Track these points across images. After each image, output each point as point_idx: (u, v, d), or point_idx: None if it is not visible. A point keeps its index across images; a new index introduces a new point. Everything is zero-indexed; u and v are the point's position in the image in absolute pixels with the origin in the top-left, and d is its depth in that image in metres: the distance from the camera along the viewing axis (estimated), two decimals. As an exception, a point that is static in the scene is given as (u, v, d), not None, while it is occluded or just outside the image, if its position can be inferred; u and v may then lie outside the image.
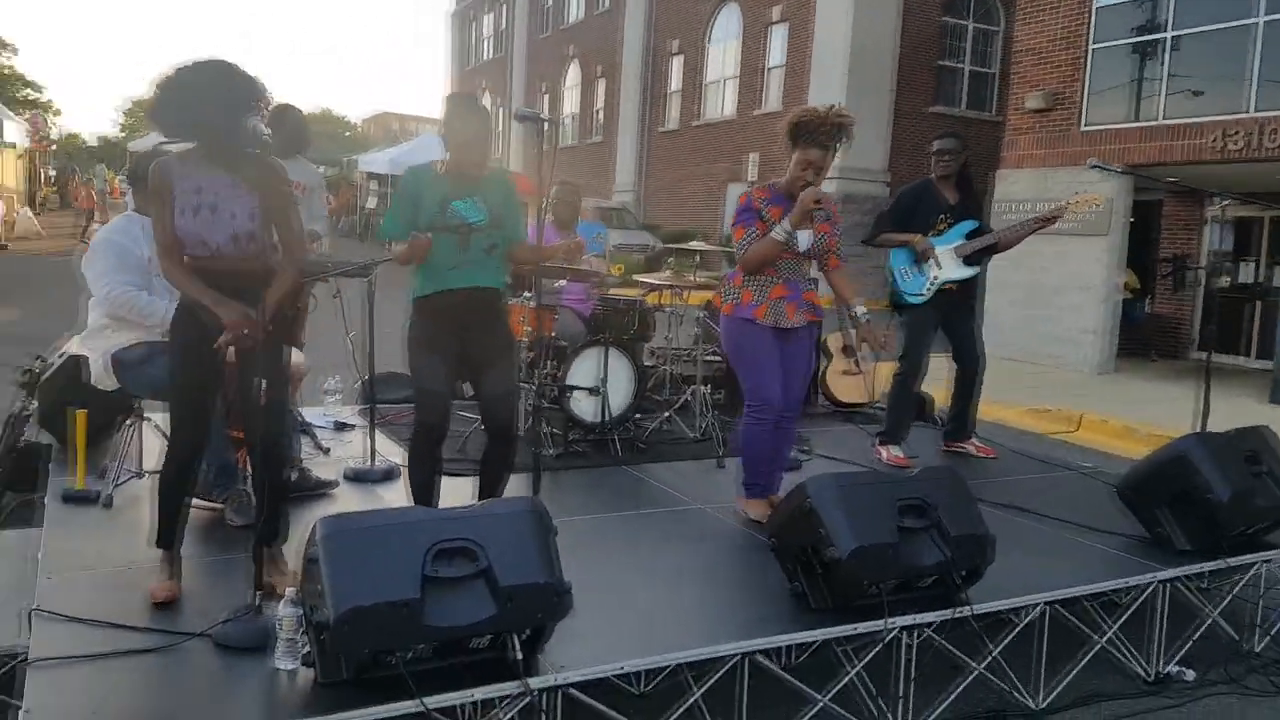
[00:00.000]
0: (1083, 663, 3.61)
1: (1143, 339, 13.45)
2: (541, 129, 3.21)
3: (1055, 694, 3.50)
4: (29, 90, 50.19)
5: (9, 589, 3.24)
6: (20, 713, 2.36)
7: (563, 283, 5.57)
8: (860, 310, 4.11)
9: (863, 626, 3.09)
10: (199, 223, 2.99)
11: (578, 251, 4.94)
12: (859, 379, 6.83)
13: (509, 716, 2.65)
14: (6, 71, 48.91)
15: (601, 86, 30.23)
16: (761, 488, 4.21)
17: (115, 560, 3.36)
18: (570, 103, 32.87)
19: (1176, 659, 3.79)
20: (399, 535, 2.59)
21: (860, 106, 18.80)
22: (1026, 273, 12.78)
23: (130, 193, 4.46)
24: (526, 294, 5.33)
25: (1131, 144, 11.89)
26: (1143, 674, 3.74)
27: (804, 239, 4.04)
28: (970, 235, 5.41)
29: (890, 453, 5.42)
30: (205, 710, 2.46)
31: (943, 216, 5.42)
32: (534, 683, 2.63)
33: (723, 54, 24.11)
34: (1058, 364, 12.23)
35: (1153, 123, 11.68)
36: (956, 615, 3.23)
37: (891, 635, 3.17)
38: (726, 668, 2.95)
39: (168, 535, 3.15)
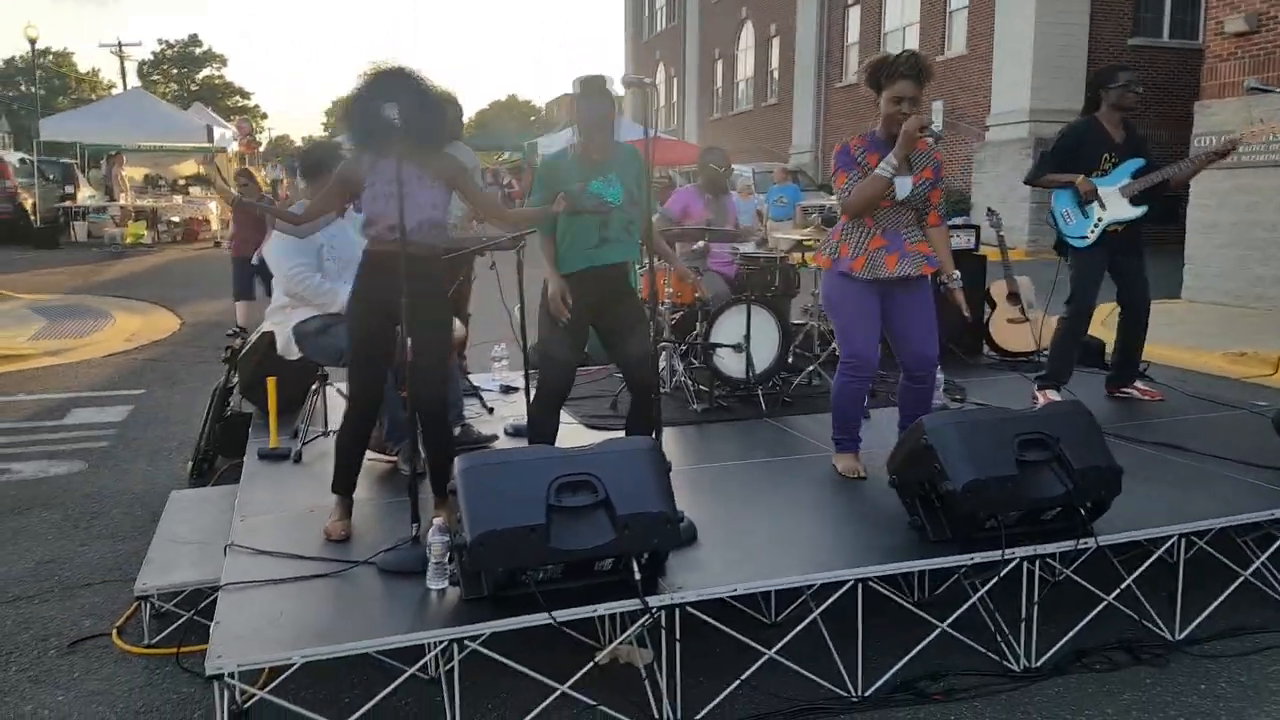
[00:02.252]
0: (1224, 596, 3.52)
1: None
2: (650, 94, 3.38)
3: (1194, 626, 3.44)
4: (238, 98, 54.59)
5: (219, 535, 3.78)
6: (212, 625, 2.80)
7: (701, 244, 5.75)
8: (954, 275, 4.06)
9: (979, 556, 3.16)
10: (389, 207, 3.35)
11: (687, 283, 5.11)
12: (1025, 326, 6.67)
13: (634, 631, 2.91)
14: (218, 81, 53.34)
15: (775, 45, 29.93)
16: (851, 442, 4.18)
17: (300, 505, 3.83)
18: (744, 66, 32.74)
19: (1336, 595, 3.62)
20: (527, 470, 2.89)
21: (1053, 42, 17.91)
22: (1233, 211, 11.90)
23: (307, 184, 4.96)
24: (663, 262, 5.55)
25: (1348, 61, 10.84)
26: (1296, 609, 3.60)
27: (902, 186, 3.95)
28: (1137, 174, 5.16)
29: (1049, 396, 5.30)
30: (367, 622, 2.84)
31: (1108, 155, 5.19)
32: (653, 601, 2.87)
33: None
34: (1271, 305, 11.36)
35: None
36: (1080, 546, 3.23)
37: (1012, 565, 3.21)
38: (842, 590, 3.10)
39: (343, 482, 3.58)
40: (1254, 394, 6.11)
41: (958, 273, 4.13)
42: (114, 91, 42.55)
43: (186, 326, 10.89)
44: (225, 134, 24.35)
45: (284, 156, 40.40)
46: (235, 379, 5.27)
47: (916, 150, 3.98)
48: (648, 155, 3.58)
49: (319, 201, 3.63)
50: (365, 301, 3.47)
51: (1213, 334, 9.75)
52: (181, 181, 25.31)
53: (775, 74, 30.19)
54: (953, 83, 21.24)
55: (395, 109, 3.24)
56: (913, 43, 22.83)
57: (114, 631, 3.64)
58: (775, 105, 29.95)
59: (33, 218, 19.89)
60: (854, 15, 25.44)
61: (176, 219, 22.20)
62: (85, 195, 21.68)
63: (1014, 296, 6.75)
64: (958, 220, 7.17)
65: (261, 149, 42.85)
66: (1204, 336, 9.62)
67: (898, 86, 3.89)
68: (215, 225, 22.40)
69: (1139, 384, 5.49)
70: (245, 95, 56.98)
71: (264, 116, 59.20)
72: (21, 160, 21.28)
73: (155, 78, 54.18)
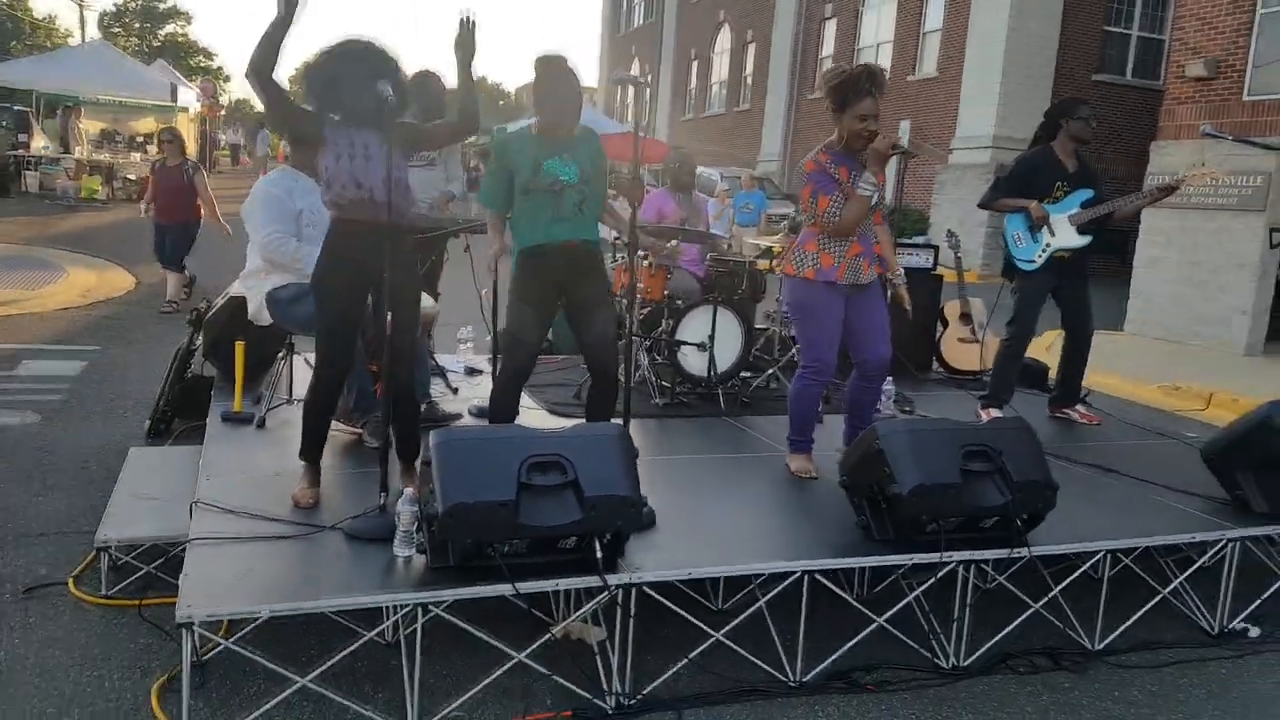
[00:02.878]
0: (1143, 611, 3.74)
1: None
2: (640, 92, 3.49)
3: (1112, 638, 3.65)
4: (201, 57, 53.61)
5: (180, 493, 3.84)
6: (181, 577, 2.88)
7: (674, 243, 5.88)
8: (899, 273, 4.32)
9: (919, 557, 3.34)
10: (354, 167, 3.43)
11: (672, 256, 5.17)
12: (975, 347, 6.90)
13: (591, 607, 3.04)
14: (181, 39, 52.34)
15: (751, 51, 30.18)
16: (805, 443, 4.34)
17: (265, 469, 3.90)
18: (719, 69, 32.94)
19: (1243, 617, 3.86)
20: (500, 447, 3.00)
21: (1021, 72, 18.31)
22: (1179, 250, 12.33)
23: (290, 150, 5.01)
24: (640, 253, 5.67)
25: (1297, 114, 11.29)
26: (1206, 628, 3.84)
27: (875, 194, 4.15)
28: (1086, 204, 5.41)
29: (991, 415, 5.52)
30: (333, 582, 2.93)
31: (1060, 184, 5.42)
32: (612, 579, 3.00)
33: (878, 18, 23.72)
34: (1206, 344, 11.80)
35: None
36: (1013, 554, 3.43)
37: (949, 569, 3.39)
38: (788, 581, 3.26)
39: (311, 449, 3.64)
40: (1186, 426, 6.39)
41: (901, 269, 4.33)
42: (70, 41, 41.57)
43: (142, 286, 10.78)
44: (189, 94, 23.98)
45: (246, 120, 39.78)
46: (199, 341, 5.30)
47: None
48: (636, 152, 3.70)
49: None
50: (337, 269, 3.51)
51: (1151, 366, 10.12)
52: (140, 138, 24.85)
53: (749, 80, 30.43)
54: (921, 103, 21.64)
55: (389, 86, 3.32)
56: (885, 61, 23.17)
57: (70, 581, 3.68)
58: (747, 111, 30.21)
59: (-17, 164, 19.43)
60: (830, 29, 25.76)
61: (133, 176, 21.77)
62: (39, 145, 21.20)
63: (966, 317, 6.98)
64: (918, 239, 7.38)
65: (223, 112, 42.14)
66: (1143, 368, 9.97)
67: (864, 105, 4.04)
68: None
69: (1079, 407, 5.74)
70: (209, 55, 55.94)
71: (227, 79, 58.13)
72: (-27, 104, 20.78)
73: (116, 30, 52.94)
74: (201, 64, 53.27)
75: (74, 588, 3.64)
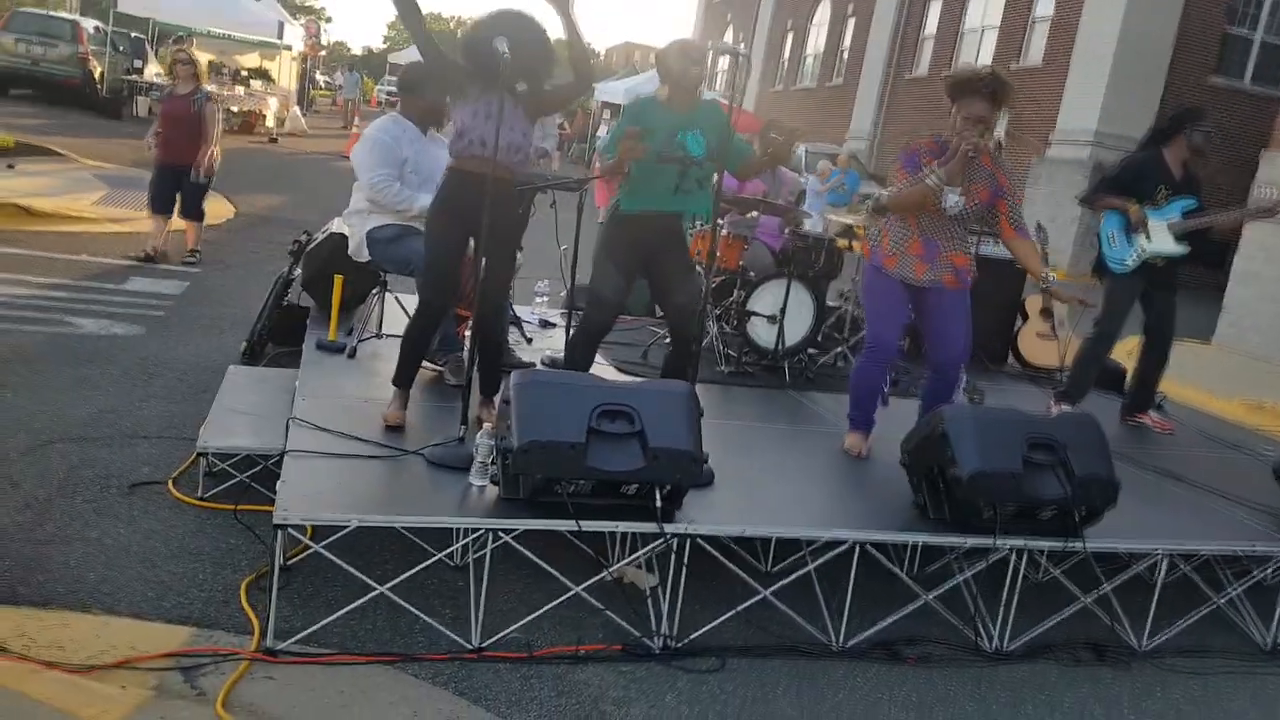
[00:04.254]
0: (1195, 617, 3.77)
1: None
2: (737, 62, 3.57)
3: (1161, 639, 3.69)
4: (306, -2, 54.58)
5: (274, 411, 4.09)
6: (279, 483, 3.10)
7: (755, 214, 5.94)
8: (1050, 276, 4.20)
9: (972, 540, 3.42)
10: (487, 127, 3.61)
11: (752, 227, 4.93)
12: (1053, 344, 6.86)
13: (646, 553, 3.20)
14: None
15: (850, 25, 29.69)
16: (863, 422, 4.39)
17: (355, 394, 4.12)
18: (815, 41, 32.45)
19: (1300, 635, 3.86)
20: (574, 393, 3.16)
21: (1131, 68, 17.77)
22: (1278, 266, 11.97)
23: (400, 99, 5.16)
24: (719, 222, 5.75)
25: None
26: (1260, 642, 3.85)
27: (951, 200, 4.04)
28: (1187, 214, 5.33)
29: (1062, 410, 5.51)
30: (414, 502, 3.13)
31: (1163, 189, 5.35)
32: (668, 528, 3.14)
33: (986, 1, 23.18)
34: (1301, 364, 11.48)
35: None
36: (1068, 547, 3.48)
37: (1001, 554, 3.47)
38: (840, 549, 3.37)
39: (404, 376, 3.87)
40: (1266, 443, 6.30)
41: (1050, 273, 4.27)
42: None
43: (241, 215, 11.17)
44: (293, 33, 24.51)
45: (344, 62, 40.46)
46: (298, 272, 5.55)
47: (976, 165, 4.08)
48: (731, 124, 3.79)
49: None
50: (448, 213, 3.74)
51: (1236, 381, 9.90)
52: (244, 73, 25.52)
53: (845, 54, 29.95)
54: (1022, 93, 21.06)
55: (505, 43, 3.47)
56: (990, 46, 22.67)
57: (170, 481, 3.96)
58: (840, 86, 29.77)
59: (99, 86, 20.15)
60: (934, 9, 25.19)
61: (236, 109, 22.41)
62: (153, 72, 21.92)
63: (1047, 312, 6.93)
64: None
65: (324, 53, 42.93)
66: (1227, 382, 9.76)
67: (974, 106, 3.97)
68: (271, 121, 22.64)
69: (1153, 414, 5.70)
70: (311, -4, 57.06)
71: (329, 20, 59.13)
72: (96, 28, 21.48)
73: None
74: (305, 3, 54.26)
75: (172, 488, 3.91)
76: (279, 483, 3.08)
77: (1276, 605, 3.85)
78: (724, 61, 41.34)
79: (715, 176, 3.97)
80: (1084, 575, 3.73)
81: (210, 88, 21.34)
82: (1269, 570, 3.96)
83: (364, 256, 4.81)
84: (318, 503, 2.97)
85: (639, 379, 3.43)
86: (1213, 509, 4.23)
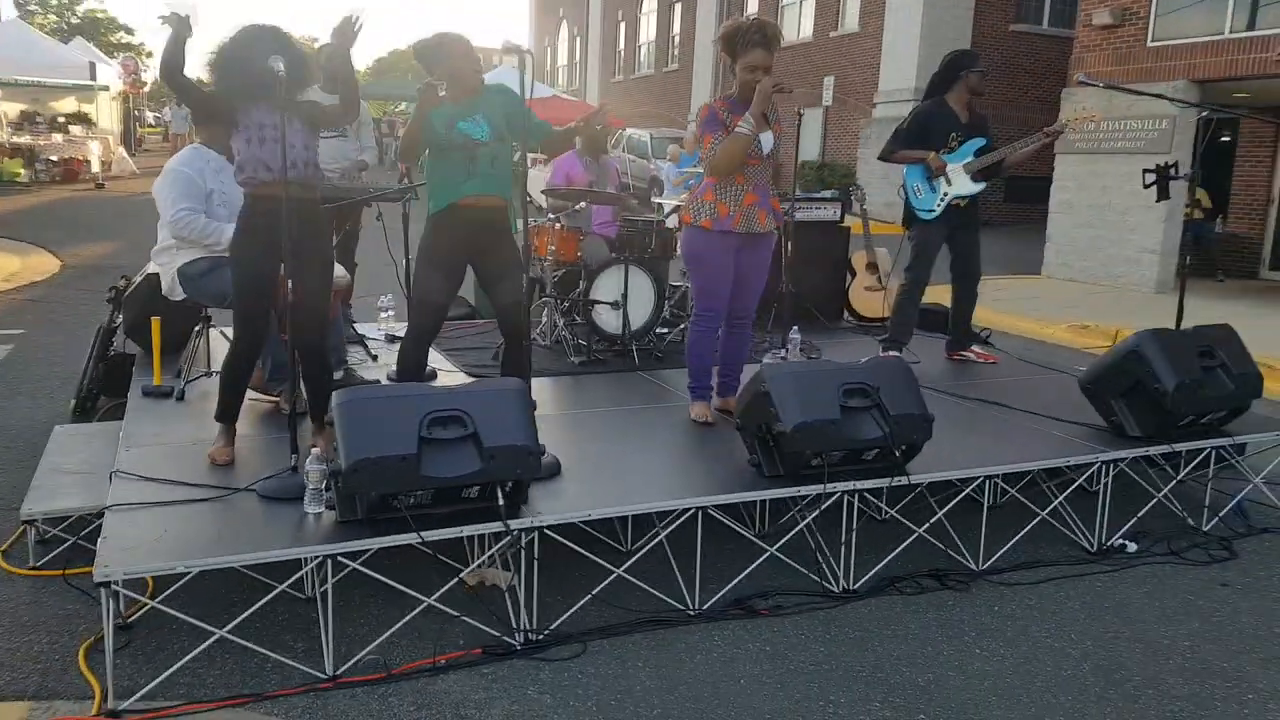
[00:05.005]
0: (1024, 533, 4.02)
1: (1212, 260, 13.30)
2: (524, 60, 3.62)
3: (995, 559, 3.93)
4: (122, 34, 52.11)
5: (103, 467, 3.94)
6: (99, 540, 3.01)
7: (582, 205, 6.02)
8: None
9: (804, 489, 3.57)
10: (263, 151, 3.56)
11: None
12: (880, 294, 7.16)
13: (495, 552, 3.23)
14: (100, 15, 50.85)
15: (678, 11, 30.14)
16: (704, 389, 4.55)
17: (183, 438, 4.01)
18: (647, 30, 32.85)
19: (1121, 534, 4.16)
20: (401, 404, 3.15)
21: (939, 25, 18.58)
22: (1089, 194, 12.74)
23: (202, 130, 5.02)
24: (552, 216, 5.82)
25: (1199, 59, 11.68)
26: (1086, 546, 4.14)
27: (767, 141, 4.26)
28: (979, 153, 5.66)
29: (890, 356, 5.76)
30: (248, 541, 3.07)
31: (954, 134, 5.67)
32: (514, 524, 3.18)
33: (800, -26, 23.88)
34: (1118, 284, 12.25)
35: (1219, 36, 11.44)
36: (894, 483, 3.67)
37: (834, 499, 3.63)
38: (684, 517, 3.48)
39: (227, 411, 3.79)
40: (1082, 362, 6.72)
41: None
42: (-13, 21, 40.18)
43: (68, 269, 10.67)
44: (109, 72, 23.41)
45: (172, 96, 38.82)
46: (119, 319, 5.35)
47: (772, 106, 4.27)
48: (525, 117, 3.84)
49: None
50: (250, 244, 3.66)
51: (1063, 308, 10.51)
52: (61, 119, 24.26)
53: (677, 39, 30.42)
54: (844, 59, 21.87)
55: (281, 61, 3.42)
56: (809, 18, 23.39)
57: (-2, 555, 3.79)
58: (676, 71, 30.23)
59: (-104, 151, 18.87)
60: (754, -14, 25.83)
61: (55, 157, 21.30)
62: (-45, 130, 20.66)
63: (872, 266, 7.23)
64: (825, 193, 7.61)
65: (146, 89, 41.09)
66: (1054, 310, 10.36)
67: (753, 55, 4.15)
68: (96, 166, 21.62)
69: (975, 348, 6.02)
70: (130, 32, 54.34)
71: (149, 55, 56.59)
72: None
73: (33, 8, 51.24)
74: (123, 40, 51.80)
75: (2, 561, 3.73)
76: (100, 539, 2.99)
77: (1097, 509, 4.14)
78: (562, 55, 41.44)
79: (513, 155, 4.04)
80: (925, 511, 3.94)
81: (23, 139, 20.23)
82: (1084, 478, 4.26)
83: (179, 294, 4.67)
84: (141, 554, 2.89)
85: (463, 384, 3.44)
86: (1032, 429, 4.51)
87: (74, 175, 20.99)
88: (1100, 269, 12.58)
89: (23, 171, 19.95)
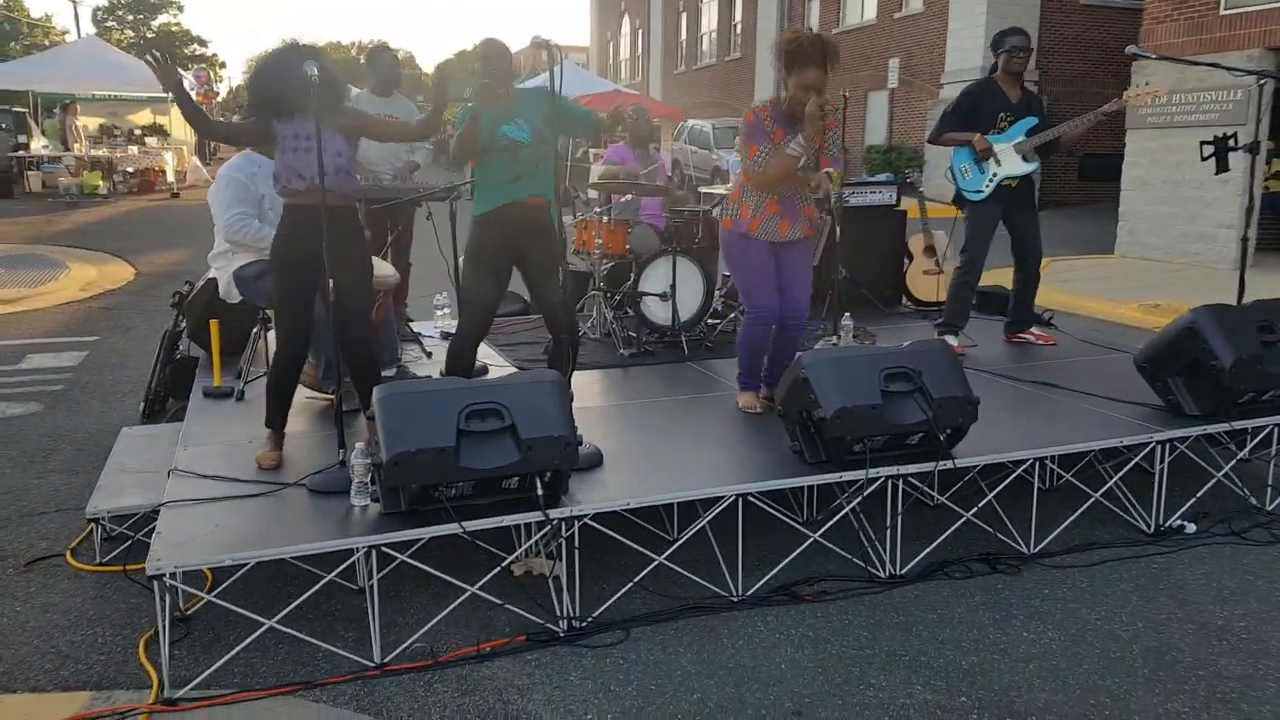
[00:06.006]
0: (1077, 514, 3.94)
1: (1293, 231, 12.79)
2: (551, 54, 3.64)
3: (1047, 541, 3.85)
4: (195, 45, 53.63)
5: (166, 464, 4.07)
6: (154, 535, 3.12)
7: (629, 197, 6.02)
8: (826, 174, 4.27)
9: (847, 475, 3.54)
10: (296, 160, 3.67)
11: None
12: (938, 278, 7.05)
13: (536, 541, 3.28)
14: (174, 29, 52.42)
15: (740, 0, 29.98)
16: (753, 382, 4.54)
17: (240, 437, 4.13)
18: (708, 20, 32.72)
19: (1180, 514, 4.05)
20: (439, 398, 3.21)
21: (1005, 2, 18.16)
22: (1163, 169, 12.35)
23: None
24: (598, 210, 5.84)
25: (1275, 25, 11.23)
26: (1144, 528, 4.03)
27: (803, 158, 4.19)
28: (1030, 132, 5.53)
29: (945, 341, 5.67)
30: (296, 533, 3.16)
31: (1004, 115, 5.55)
32: (554, 513, 3.22)
33: (862, -46, 23.56)
34: (1195, 262, 11.86)
35: (1295, 0, 10.98)
36: (939, 467, 3.62)
37: (877, 484, 3.60)
38: (724, 504, 3.48)
39: (274, 417, 3.89)
40: (1144, 341, 6.53)
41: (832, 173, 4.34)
42: (68, 38, 41.81)
43: (142, 276, 11.04)
44: (184, 83, 24.13)
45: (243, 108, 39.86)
46: (183, 324, 5.53)
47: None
48: (554, 113, 3.87)
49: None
50: (287, 252, 3.76)
51: (1135, 287, 10.22)
52: (137, 131, 25.10)
53: (738, 28, 30.23)
54: (909, 40, 21.50)
55: (315, 66, 3.51)
56: (872, 0, 23.03)
57: (67, 552, 3.95)
58: (739, 60, 30.04)
59: (-14, 168, 19.71)
60: (815, -30, 25.56)
61: (132, 169, 22.04)
62: (39, 145, 21.48)
63: (930, 250, 7.12)
64: (881, 177, 7.51)
65: (219, 99, 42.26)
66: (1126, 289, 10.08)
67: (809, 74, 4.06)
68: (171, 176, 22.33)
69: (1035, 329, 5.90)
70: (203, 43, 55.98)
71: (222, 65, 58.22)
72: (-27, 109, 21.02)
73: (110, 24, 53.10)
74: (195, 52, 53.35)
75: (71, 558, 3.90)
76: (154, 534, 3.11)
77: (1154, 490, 4.03)
78: (625, 49, 41.47)
79: (555, 156, 4.07)
80: (977, 494, 3.88)
81: (101, 151, 20.97)
82: (1139, 457, 4.14)
83: (235, 297, 4.81)
84: (194, 548, 3.00)
85: (501, 377, 3.48)
86: (1088, 410, 4.40)
87: (150, 186, 21.70)
88: (1175, 246, 12.19)
89: (102, 183, 20.68)
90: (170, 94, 3.77)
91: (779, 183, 4.26)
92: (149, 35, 51.45)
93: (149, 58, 3.64)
